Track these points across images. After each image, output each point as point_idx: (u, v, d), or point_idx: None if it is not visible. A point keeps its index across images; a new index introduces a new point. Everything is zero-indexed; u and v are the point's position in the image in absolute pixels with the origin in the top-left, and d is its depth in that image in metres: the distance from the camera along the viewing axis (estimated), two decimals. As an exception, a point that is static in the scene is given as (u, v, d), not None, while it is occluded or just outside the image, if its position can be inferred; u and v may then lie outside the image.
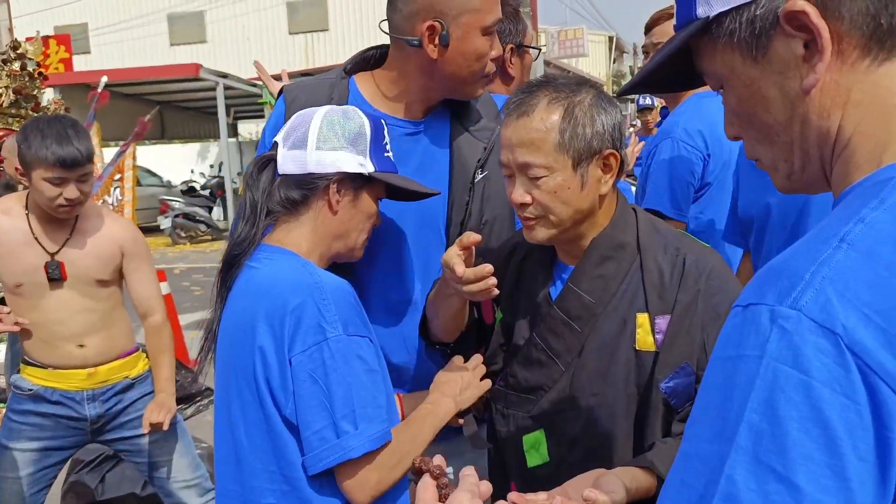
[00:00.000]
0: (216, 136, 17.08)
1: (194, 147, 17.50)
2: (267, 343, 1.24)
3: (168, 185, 15.11)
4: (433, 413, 1.37)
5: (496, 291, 1.28)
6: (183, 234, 12.74)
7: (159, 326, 2.42)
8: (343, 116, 1.38)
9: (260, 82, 14.47)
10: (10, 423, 2.34)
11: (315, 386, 1.21)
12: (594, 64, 39.01)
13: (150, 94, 14.60)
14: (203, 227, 12.88)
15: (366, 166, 1.38)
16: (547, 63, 22.35)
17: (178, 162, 16.61)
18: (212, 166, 16.36)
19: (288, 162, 1.38)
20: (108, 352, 2.39)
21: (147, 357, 2.52)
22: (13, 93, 4.68)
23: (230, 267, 1.36)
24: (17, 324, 2.23)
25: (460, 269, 1.23)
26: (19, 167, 2.22)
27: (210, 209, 13.64)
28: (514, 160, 1.26)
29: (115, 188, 5.11)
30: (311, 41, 22.29)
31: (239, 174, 15.81)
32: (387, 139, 1.45)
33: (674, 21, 0.78)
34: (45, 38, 15.30)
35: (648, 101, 6.82)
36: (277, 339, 1.23)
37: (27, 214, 2.28)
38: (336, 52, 21.64)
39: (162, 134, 18.76)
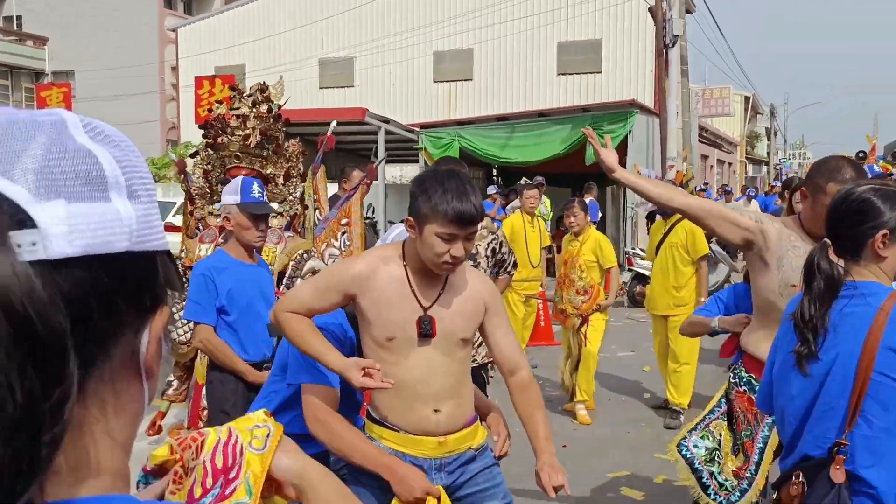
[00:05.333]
0: (364, 179, 17.42)
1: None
2: None
3: (318, 224, 15.50)
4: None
5: None
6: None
7: (528, 383, 2.26)
8: None
9: (417, 129, 14.76)
10: (352, 481, 2.22)
11: None
12: (729, 123, 38.01)
13: (311, 135, 15.08)
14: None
15: None
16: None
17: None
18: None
19: None
20: (458, 419, 2.24)
21: (482, 426, 2.36)
22: (259, 134, 4.79)
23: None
24: (383, 381, 2.11)
25: None
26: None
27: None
28: None
29: (343, 233, 5.12)
30: (454, 90, 22.67)
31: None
32: None
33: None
34: (212, 78, 16.15)
35: None
36: None
37: (405, 266, 2.19)
38: (478, 102, 21.91)
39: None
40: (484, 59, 22.27)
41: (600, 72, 21.09)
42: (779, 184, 29.09)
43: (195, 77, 15.68)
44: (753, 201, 18.96)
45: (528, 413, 2.21)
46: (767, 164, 48.67)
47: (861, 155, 13.36)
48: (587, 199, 11.93)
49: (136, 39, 28.44)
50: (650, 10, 14.26)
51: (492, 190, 11.82)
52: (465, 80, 22.53)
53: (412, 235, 2.13)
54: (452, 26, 22.12)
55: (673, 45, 13.06)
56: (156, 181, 23.37)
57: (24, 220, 0.47)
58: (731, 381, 2.81)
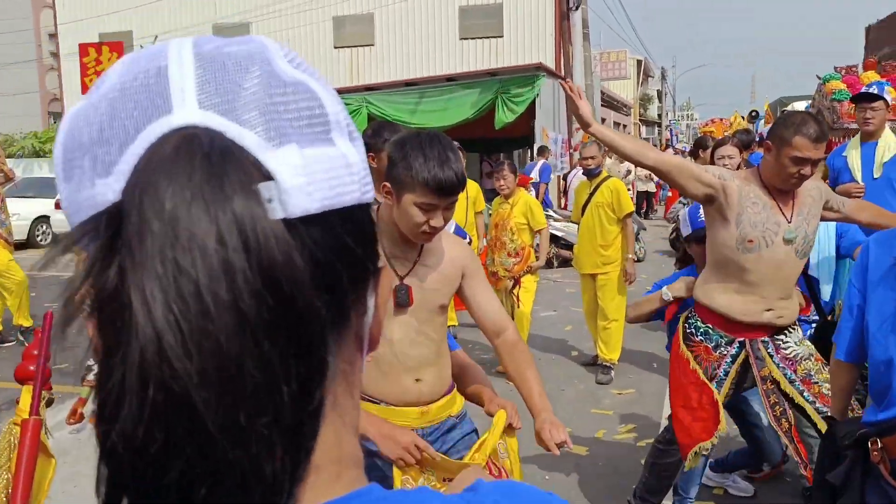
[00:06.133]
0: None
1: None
2: None
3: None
4: None
5: None
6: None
7: (516, 342, 2.20)
8: None
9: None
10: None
11: None
12: (623, 86, 39.05)
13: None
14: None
15: None
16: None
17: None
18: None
19: None
20: (439, 388, 2.20)
21: (461, 393, 2.34)
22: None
23: None
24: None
25: None
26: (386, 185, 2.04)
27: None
28: None
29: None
30: (356, 56, 22.25)
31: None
32: None
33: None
34: (98, 45, 15.27)
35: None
36: None
37: (379, 233, 2.11)
38: (381, 68, 21.60)
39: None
40: (385, 25, 21.91)
41: (502, 36, 21.13)
42: (679, 144, 30.14)
43: (79, 44, 14.76)
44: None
45: (519, 373, 2.17)
46: (659, 125, 50.39)
47: (754, 114, 14.00)
48: (540, 162, 12.36)
49: (7, 3, 26.50)
50: (552, -27, 14.39)
51: None
52: (367, 45, 22.14)
53: (388, 202, 2.05)
54: (351, -10, 21.64)
55: (576, 8, 13.22)
56: (40, 156, 21.97)
57: (260, 171, 0.39)
58: (687, 331, 2.88)
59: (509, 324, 2.23)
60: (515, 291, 5.58)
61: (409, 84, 14.01)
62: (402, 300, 2.09)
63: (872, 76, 7.08)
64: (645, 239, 11.99)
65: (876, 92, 4.81)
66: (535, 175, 11.57)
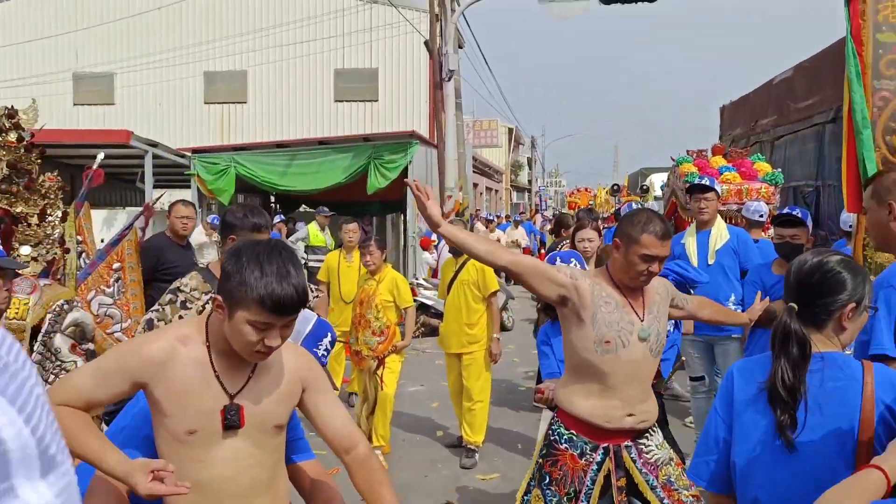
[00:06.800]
0: (128, 204, 16.20)
1: (100, 214, 16.41)
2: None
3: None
4: None
5: None
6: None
7: (367, 457, 1.99)
8: None
9: (188, 154, 13.86)
10: None
11: None
12: (495, 153, 40.26)
13: (64, 157, 13.60)
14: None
15: None
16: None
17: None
18: (123, 237, 15.34)
19: None
20: (274, 517, 1.97)
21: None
22: (7, 167, 4.08)
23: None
24: (178, 485, 1.77)
25: None
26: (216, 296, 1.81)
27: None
28: None
29: (116, 279, 4.52)
30: (227, 113, 21.75)
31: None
32: None
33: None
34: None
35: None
36: None
37: (208, 346, 1.88)
38: (253, 127, 21.20)
39: (71, 199, 17.49)
40: (259, 82, 21.63)
41: (377, 100, 21.34)
42: (547, 211, 31.16)
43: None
44: (520, 227, 20.14)
45: (372, 493, 1.95)
46: (529, 190, 52.21)
47: (616, 188, 14.65)
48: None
49: None
50: (426, 44, 14.64)
51: (277, 219, 11.56)
52: (240, 102, 21.73)
53: (219, 316, 1.83)
54: (225, 47, 21.26)
55: (449, 79, 13.48)
56: None
57: None
58: (551, 438, 2.78)
59: (359, 437, 2.04)
60: (379, 372, 5.37)
61: (280, 145, 13.71)
62: (233, 421, 1.86)
63: (720, 161, 7.53)
64: (513, 308, 12.10)
65: (708, 184, 5.13)
66: (435, 238, 11.66)
